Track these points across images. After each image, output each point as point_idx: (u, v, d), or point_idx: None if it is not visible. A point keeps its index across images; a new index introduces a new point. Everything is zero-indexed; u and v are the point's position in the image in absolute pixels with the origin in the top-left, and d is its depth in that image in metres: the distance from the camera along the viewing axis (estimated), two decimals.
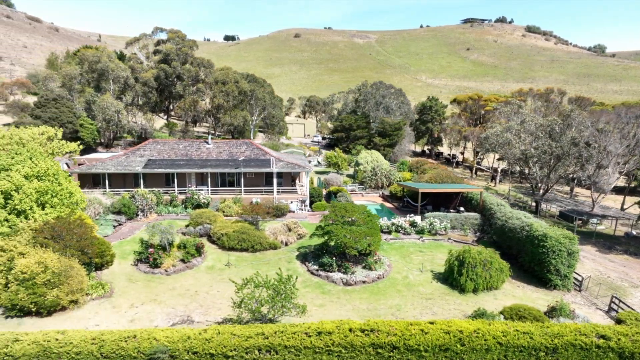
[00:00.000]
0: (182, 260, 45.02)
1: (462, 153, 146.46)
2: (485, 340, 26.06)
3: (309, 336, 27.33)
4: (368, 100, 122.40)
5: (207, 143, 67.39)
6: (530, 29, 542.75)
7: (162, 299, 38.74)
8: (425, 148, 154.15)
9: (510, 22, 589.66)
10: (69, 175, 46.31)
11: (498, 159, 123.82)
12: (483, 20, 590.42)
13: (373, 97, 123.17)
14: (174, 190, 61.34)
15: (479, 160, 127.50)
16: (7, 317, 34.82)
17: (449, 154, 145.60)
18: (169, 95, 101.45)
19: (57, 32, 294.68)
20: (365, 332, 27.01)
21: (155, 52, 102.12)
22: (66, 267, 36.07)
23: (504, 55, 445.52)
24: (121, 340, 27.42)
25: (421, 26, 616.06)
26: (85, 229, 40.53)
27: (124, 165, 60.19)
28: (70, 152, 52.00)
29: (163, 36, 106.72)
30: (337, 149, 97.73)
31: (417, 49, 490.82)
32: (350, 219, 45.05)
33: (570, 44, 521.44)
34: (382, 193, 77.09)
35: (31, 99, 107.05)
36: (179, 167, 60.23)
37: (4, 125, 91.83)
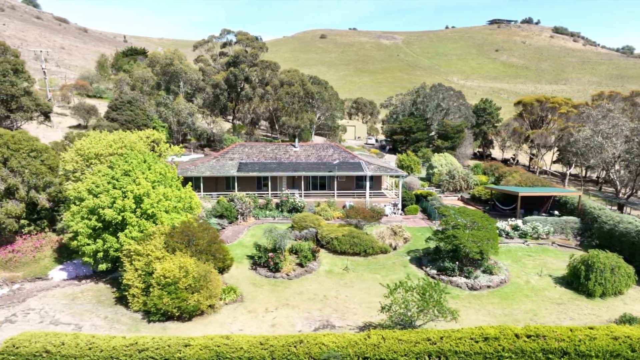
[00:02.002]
0: (300, 265, 44.70)
1: (516, 156, 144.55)
2: None
3: (476, 342, 26.73)
4: (428, 103, 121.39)
5: (294, 146, 67.10)
6: (557, 30, 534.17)
7: (294, 303, 38.38)
8: (476, 150, 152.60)
9: (536, 23, 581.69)
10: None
11: (554, 162, 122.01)
12: (509, 21, 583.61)
13: (432, 99, 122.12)
14: (267, 193, 61.14)
15: (534, 162, 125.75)
16: (149, 322, 34.77)
17: (505, 158, 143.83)
18: (236, 97, 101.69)
19: (86, 33, 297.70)
20: (532, 337, 26.39)
21: (220, 54, 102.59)
22: (205, 272, 35.94)
23: (534, 56, 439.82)
24: (290, 345, 27.08)
25: (447, 27, 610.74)
26: (213, 233, 40.49)
27: (217, 169, 60.14)
28: (173, 156, 52.07)
29: (231, 38, 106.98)
30: (409, 151, 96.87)
31: (445, 50, 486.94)
32: (471, 223, 44.33)
33: (598, 45, 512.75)
34: (462, 196, 76.06)
35: (89, 102, 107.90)
36: (272, 171, 60.00)
37: (70, 127, 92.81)
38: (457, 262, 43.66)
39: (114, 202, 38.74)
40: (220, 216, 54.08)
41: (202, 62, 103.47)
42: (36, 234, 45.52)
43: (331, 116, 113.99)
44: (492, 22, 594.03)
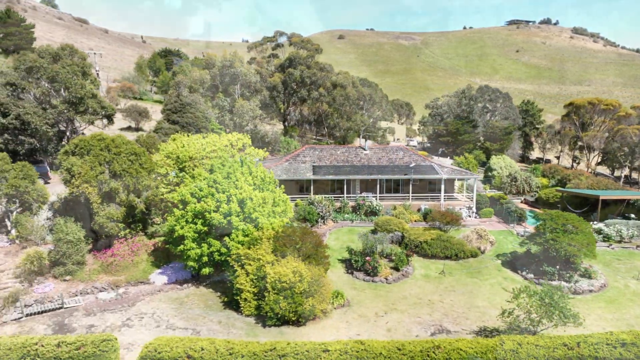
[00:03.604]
0: (396, 269, 44.44)
1: (558, 157, 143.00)
2: None
3: (614, 347, 26.51)
4: (474, 104, 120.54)
5: (364, 149, 66.89)
6: (577, 31, 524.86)
7: (401, 308, 38.08)
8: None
9: (555, 24, 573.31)
10: None
11: (597, 164, 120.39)
12: (528, 22, 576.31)
13: (479, 100, 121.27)
14: (342, 196, 60.94)
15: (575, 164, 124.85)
16: (265, 326, 34.74)
17: (547, 159, 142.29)
18: (288, 99, 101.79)
19: (107, 34, 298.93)
20: None
21: (271, 56, 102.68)
22: (318, 276, 35.87)
23: (555, 57, 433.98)
24: (428, 351, 26.91)
25: (464, 27, 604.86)
26: (316, 237, 40.36)
27: (292, 172, 60.09)
28: (259, 159, 52.16)
29: (283, 40, 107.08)
30: (466, 154, 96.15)
31: (465, 50, 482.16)
32: (570, 227, 43.78)
33: (618, 45, 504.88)
34: (525, 199, 75.31)
35: (133, 103, 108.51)
36: (347, 174, 59.82)
37: (122, 129, 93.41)
38: (558, 267, 43.15)
39: (219, 206, 38.81)
40: (303, 219, 54.01)
41: (255, 64, 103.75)
42: (131, 237, 45.78)
43: (382, 118, 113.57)
44: (511, 22, 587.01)
